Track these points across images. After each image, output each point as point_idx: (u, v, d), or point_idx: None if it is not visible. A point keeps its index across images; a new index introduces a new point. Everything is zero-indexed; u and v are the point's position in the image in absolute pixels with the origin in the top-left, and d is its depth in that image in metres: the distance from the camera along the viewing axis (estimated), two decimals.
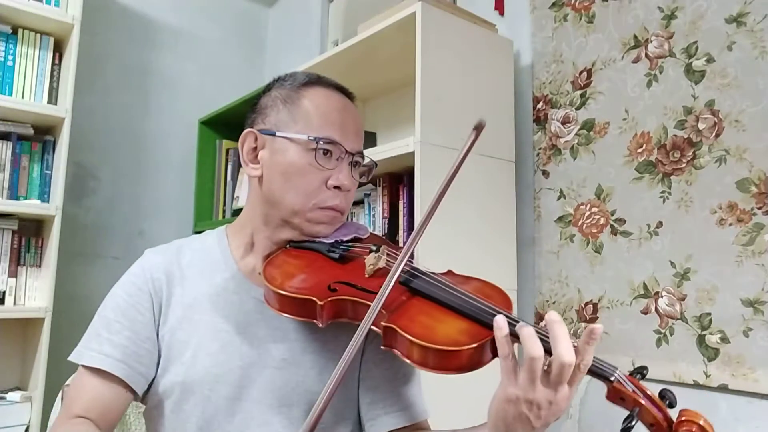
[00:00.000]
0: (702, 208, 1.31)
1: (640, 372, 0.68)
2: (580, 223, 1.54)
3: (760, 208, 1.22)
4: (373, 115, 2.08)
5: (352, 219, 1.77)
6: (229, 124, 2.50)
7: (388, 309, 0.73)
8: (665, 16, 1.41)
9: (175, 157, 2.58)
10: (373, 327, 0.71)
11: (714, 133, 1.31)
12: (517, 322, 0.68)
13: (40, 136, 2.05)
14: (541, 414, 0.65)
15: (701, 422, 0.62)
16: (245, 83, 2.74)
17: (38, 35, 2.04)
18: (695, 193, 1.32)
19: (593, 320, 1.48)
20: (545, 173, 1.64)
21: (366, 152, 0.95)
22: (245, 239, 0.94)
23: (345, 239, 0.90)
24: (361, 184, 0.95)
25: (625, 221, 1.45)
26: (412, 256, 0.78)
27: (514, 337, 0.67)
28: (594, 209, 1.52)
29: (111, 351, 0.85)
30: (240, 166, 2.37)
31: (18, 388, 2.01)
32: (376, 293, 0.72)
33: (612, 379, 0.66)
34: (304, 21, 2.69)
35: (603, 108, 1.52)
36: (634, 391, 0.65)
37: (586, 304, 1.51)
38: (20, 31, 2.00)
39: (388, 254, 0.84)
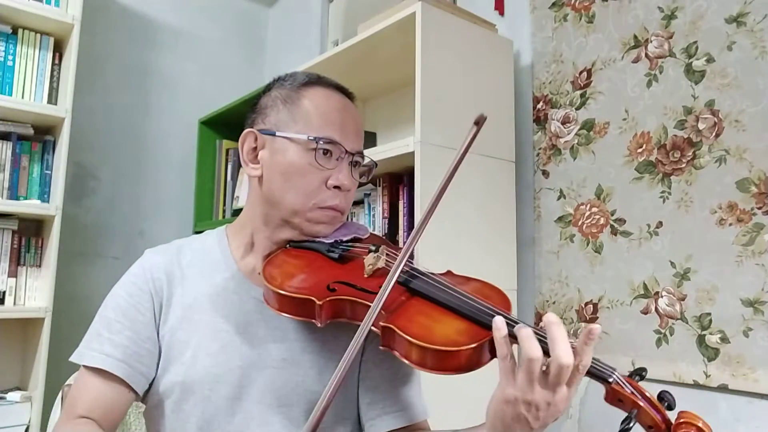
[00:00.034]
0: (702, 208, 1.31)
1: (638, 373, 0.68)
2: (580, 223, 1.54)
3: (760, 208, 1.22)
4: (373, 115, 2.08)
5: (352, 219, 1.77)
6: (229, 124, 2.50)
7: (386, 309, 0.73)
8: (665, 16, 1.41)
9: (175, 157, 2.58)
10: (371, 327, 0.71)
11: (714, 133, 1.31)
12: (516, 323, 0.68)
13: (40, 136, 2.05)
14: (539, 415, 0.65)
15: (700, 424, 0.62)
16: (245, 83, 2.74)
17: (38, 35, 2.04)
18: (695, 193, 1.32)
19: (593, 320, 1.48)
20: (545, 173, 1.64)
21: (366, 152, 0.95)
22: (245, 239, 0.94)
23: (344, 239, 0.90)
24: (361, 184, 0.95)
25: (625, 221, 1.45)
26: (411, 256, 0.78)
27: (513, 338, 0.67)
28: (594, 209, 1.52)
29: (112, 351, 0.85)
30: (240, 166, 2.37)
31: (18, 388, 2.01)
32: (375, 293, 0.72)
33: (610, 380, 0.66)
34: (304, 21, 2.69)
35: (603, 108, 1.52)
36: (632, 392, 0.65)
37: (586, 304, 1.51)
38: (20, 31, 2.00)
39: (387, 254, 0.84)
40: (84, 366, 0.86)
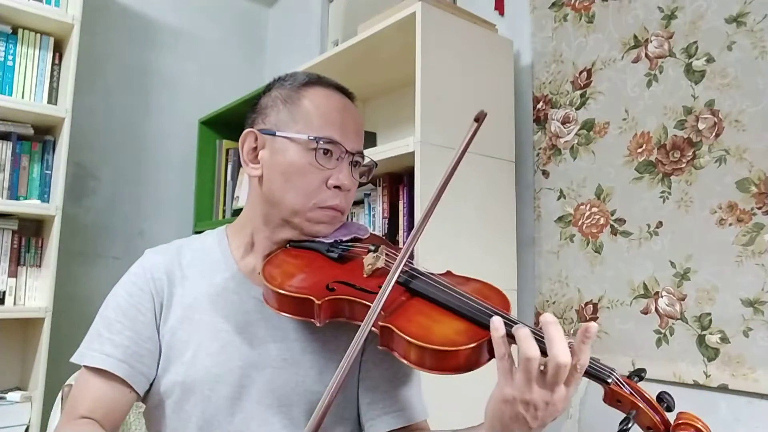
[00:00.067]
0: (702, 208, 1.31)
1: (638, 374, 0.68)
2: (580, 223, 1.54)
3: (760, 208, 1.22)
4: (373, 115, 2.08)
5: (352, 219, 1.77)
6: (229, 124, 2.50)
7: (385, 309, 0.73)
8: (665, 16, 1.41)
9: (175, 157, 2.58)
10: (371, 327, 0.71)
11: (714, 133, 1.31)
12: (515, 323, 0.68)
13: (40, 136, 2.05)
14: (537, 414, 0.65)
15: (699, 425, 0.62)
16: (245, 83, 2.74)
17: (38, 35, 2.04)
18: (695, 193, 1.32)
19: (593, 320, 1.48)
20: (545, 173, 1.64)
21: (366, 152, 0.95)
22: (245, 239, 0.94)
23: (344, 239, 0.90)
24: (361, 184, 0.95)
25: (625, 221, 1.45)
26: (411, 256, 0.78)
27: (511, 338, 0.67)
28: (594, 209, 1.52)
29: (112, 351, 0.85)
30: (240, 166, 2.37)
31: (18, 388, 2.01)
32: (374, 293, 0.72)
33: (609, 381, 0.66)
34: (304, 21, 2.69)
35: (603, 108, 1.52)
36: (631, 393, 0.65)
37: (586, 304, 1.51)
38: (20, 31, 2.00)
39: (386, 254, 0.84)
40: (85, 366, 0.86)
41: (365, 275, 0.82)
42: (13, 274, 1.94)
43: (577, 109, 1.58)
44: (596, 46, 1.55)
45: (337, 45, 1.94)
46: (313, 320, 0.78)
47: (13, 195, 1.96)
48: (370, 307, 0.71)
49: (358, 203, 1.77)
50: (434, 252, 1.39)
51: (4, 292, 1.92)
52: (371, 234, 0.96)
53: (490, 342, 0.68)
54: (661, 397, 0.66)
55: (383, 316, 0.72)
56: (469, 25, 1.60)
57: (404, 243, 1.24)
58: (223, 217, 2.45)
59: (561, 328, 0.64)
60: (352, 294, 0.77)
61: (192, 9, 2.69)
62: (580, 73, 1.58)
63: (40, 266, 2.00)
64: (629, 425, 0.63)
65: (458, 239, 1.47)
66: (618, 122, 1.48)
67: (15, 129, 1.98)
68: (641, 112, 1.44)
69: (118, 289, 0.91)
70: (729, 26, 1.29)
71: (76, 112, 2.03)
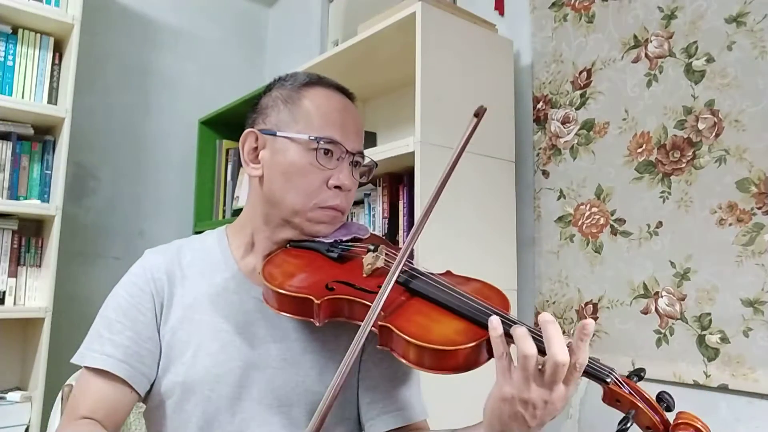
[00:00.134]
0: (702, 208, 1.31)
1: (637, 374, 0.68)
2: (580, 223, 1.55)
3: (760, 208, 1.22)
4: (373, 115, 2.08)
5: (352, 219, 1.77)
6: (229, 124, 2.50)
7: (385, 309, 0.73)
8: (665, 16, 1.41)
9: (175, 157, 2.58)
10: (371, 327, 0.71)
11: (714, 133, 1.31)
12: (514, 322, 0.68)
13: (40, 136, 2.05)
14: (536, 413, 0.65)
15: (698, 425, 0.62)
16: (245, 83, 2.74)
17: (38, 35, 2.04)
18: (695, 193, 1.32)
19: (593, 320, 1.48)
20: (545, 173, 1.64)
21: (366, 152, 0.95)
22: (245, 239, 0.94)
23: (344, 239, 0.90)
24: (361, 184, 0.95)
25: (625, 221, 1.45)
26: (411, 255, 0.78)
27: (509, 337, 0.67)
28: (594, 209, 1.52)
29: (113, 351, 0.85)
30: (240, 166, 2.38)
31: (18, 388, 2.01)
32: (373, 293, 0.72)
33: (608, 380, 0.66)
34: (304, 21, 2.69)
35: (603, 108, 1.52)
36: (630, 393, 0.65)
37: (586, 304, 1.51)
38: (20, 31, 2.00)
39: (386, 254, 0.84)
40: (85, 367, 0.86)
41: (365, 275, 0.82)
42: (13, 274, 1.94)
43: (577, 109, 1.58)
44: (596, 46, 1.55)
45: (337, 45, 1.94)
46: (312, 320, 0.78)
47: (13, 195, 1.96)
48: (369, 306, 0.71)
49: (358, 203, 1.77)
50: (434, 252, 1.39)
51: (4, 292, 1.92)
52: (371, 234, 0.96)
53: (489, 341, 0.68)
54: (660, 397, 0.66)
55: (382, 315, 0.72)
56: (469, 25, 1.60)
57: (404, 243, 1.24)
58: (223, 217, 2.45)
59: (559, 327, 0.64)
60: (351, 294, 0.77)
61: (192, 9, 2.69)
62: (580, 73, 1.58)
63: (40, 266, 2.00)
64: (628, 425, 0.62)
65: (458, 239, 1.47)
66: (618, 122, 1.48)
67: (15, 129, 1.98)
68: (641, 112, 1.44)
69: (119, 289, 0.91)
70: (729, 26, 1.29)
71: (76, 112, 2.03)
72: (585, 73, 1.57)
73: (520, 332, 0.66)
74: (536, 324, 0.67)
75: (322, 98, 0.90)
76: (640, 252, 1.41)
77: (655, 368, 1.34)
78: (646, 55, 1.44)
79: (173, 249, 0.95)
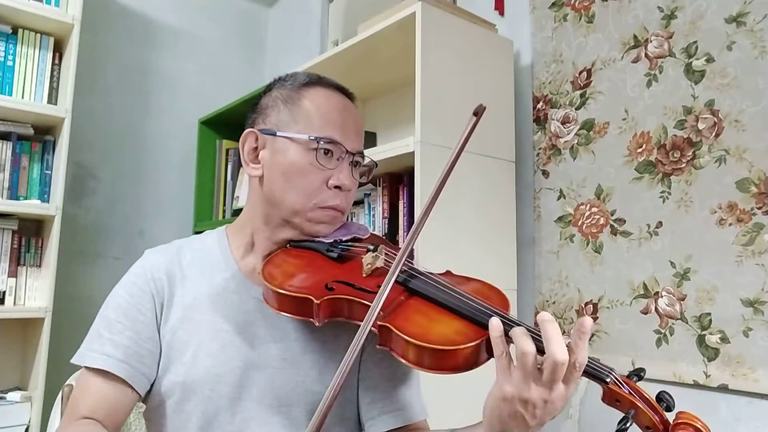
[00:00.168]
0: (702, 208, 1.31)
1: (637, 374, 0.68)
2: (580, 223, 1.54)
3: (760, 208, 1.22)
4: (373, 115, 2.08)
5: (352, 219, 1.77)
6: (229, 124, 2.49)
7: (384, 309, 0.73)
8: (665, 16, 1.41)
9: (175, 157, 2.58)
10: (370, 327, 0.71)
11: (714, 133, 1.31)
12: (514, 323, 0.68)
13: (40, 136, 2.05)
14: (536, 413, 0.65)
15: (698, 425, 0.62)
16: (245, 83, 2.74)
17: (38, 35, 2.04)
18: (695, 193, 1.32)
19: (593, 320, 1.48)
20: (545, 173, 1.64)
21: (366, 152, 0.95)
22: (245, 239, 0.94)
23: (344, 239, 0.90)
24: (361, 184, 0.95)
25: (625, 221, 1.45)
26: (411, 255, 0.78)
27: (509, 337, 0.67)
28: (594, 209, 1.52)
29: (113, 351, 0.85)
30: (240, 166, 2.38)
31: (18, 388, 2.00)
32: (373, 292, 0.72)
33: (607, 380, 0.66)
34: (304, 21, 2.69)
35: (603, 108, 1.52)
36: (629, 393, 0.65)
37: (586, 304, 1.51)
38: (20, 31, 2.00)
39: (386, 254, 0.84)
40: (86, 367, 0.86)
41: (364, 275, 0.82)
42: (13, 274, 1.94)
43: (577, 109, 1.58)
44: (596, 46, 1.55)
45: (337, 45, 1.94)
46: (312, 320, 0.78)
47: (13, 195, 1.96)
48: (368, 306, 0.71)
49: (358, 203, 1.77)
50: (434, 252, 1.39)
51: (4, 292, 1.92)
52: (371, 234, 0.96)
53: (488, 341, 0.68)
54: (660, 397, 0.66)
55: (382, 315, 0.72)
56: (469, 25, 1.60)
57: (404, 242, 1.24)
58: (223, 217, 2.45)
59: (558, 326, 0.64)
60: (351, 293, 0.77)
61: (192, 9, 2.69)
62: (580, 73, 1.58)
63: (40, 266, 2.00)
64: (628, 425, 0.62)
65: (458, 239, 1.47)
66: (618, 122, 1.48)
67: (15, 129, 1.98)
68: (641, 112, 1.44)
69: (119, 289, 0.91)
70: (729, 26, 1.29)
71: (76, 112, 2.03)
72: (585, 73, 1.57)
73: (518, 331, 0.66)
74: (536, 324, 0.67)
75: (322, 98, 0.90)
76: (640, 252, 1.41)
77: (655, 368, 1.34)
78: (646, 55, 1.44)
79: (173, 249, 0.95)
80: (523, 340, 0.65)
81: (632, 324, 1.41)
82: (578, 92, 1.58)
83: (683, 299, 1.32)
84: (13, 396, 1.90)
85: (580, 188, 1.55)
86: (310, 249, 0.89)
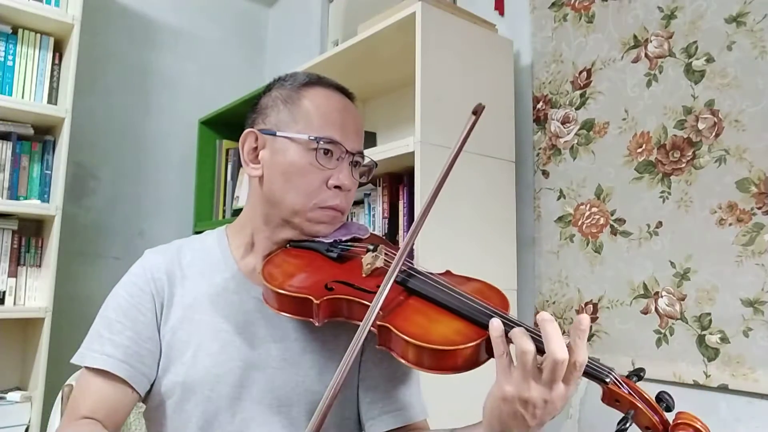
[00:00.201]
0: (702, 208, 1.31)
1: (637, 374, 0.68)
2: (580, 223, 1.54)
3: (760, 208, 1.22)
4: (373, 115, 2.08)
5: (352, 219, 1.77)
6: (229, 124, 2.50)
7: (384, 309, 0.73)
8: (665, 16, 1.41)
9: (175, 157, 2.58)
10: (370, 327, 0.71)
11: (714, 133, 1.31)
12: (514, 323, 0.68)
13: (40, 136, 2.05)
14: (536, 413, 0.65)
15: (698, 425, 0.62)
16: (245, 83, 2.74)
17: (38, 35, 2.04)
18: (695, 193, 1.32)
19: (593, 320, 1.48)
20: (545, 173, 1.64)
21: (366, 152, 0.95)
22: (245, 239, 0.94)
23: (344, 239, 0.90)
24: (361, 184, 0.95)
25: (624, 221, 1.45)
26: (411, 255, 0.78)
27: (508, 337, 0.67)
28: (594, 209, 1.52)
29: (113, 351, 0.85)
30: (240, 166, 2.37)
31: (18, 388, 2.01)
32: (373, 292, 0.72)
33: (607, 380, 0.66)
34: (304, 21, 2.69)
35: (603, 108, 1.52)
36: (629, 393, 0.65)
37: (586, 304, 1.51)
38: (20, 31, 2.00)
39: (386, 254, 0.84)
40: (86, 367, 0.86)
41: (364, 275, 0.82)
42: (13, 274, 1.94)
43: (577, 109, 1.58)
44: (596, 46, 1.55)
45: (337, 45, 1.94)
46: (312, 320, 0.78)
47: (13, 195, 1.96)
48: (368, 306, 0.71)
49: (358, 203, 1.77)
50: (434, 252, 1.39)
51: (4, 292, 1.92)
52: (371, 234, 0.96)
53: (488, 341, 0.68)
54: (660, 397, 0.66)
55: (381, 315, 0.72)
56: (469, 25, 1.60)
57: (403, 242, 1.23)
58: (223, 217, 2.45)
59: (557, 325, 0.64)
60: (350, 293, 0.77)
61: (192, 9, 2.69)
62: (580, 73, 1.58)
63: (40, 266, 2.00)
64: (627, 425, 0.62)
65: (458, 239, 1.47)
66: (618, 122, 1.48)
67: (15, 129, 1.98)
68: (641, 112, 1.44)
69: (119, 289, 0.91)
70: (729, 26, 1.29)
71: (76, 112, 2.03)
72: (585, 73, 1.57)
73: (518, 331, 0.66)
74: (536, 325, 0.67)
75: (321, 98, 0.90)
76: (640, 252, 1.41)
77: (655, 368, 1.34)
78: (646, 55, 1.44)
79: (173, 249, 0.95)
80: (522, 340, 0.65)
81: (632, 324, 1.41)
82: (578, 92, 1.58)
83: (683, 299, 1.32)
84: (13, 396, 1.90)
85: (580, 188, 1.55)
86: (309, 249, 0.89)
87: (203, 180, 2.52)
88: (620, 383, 0.65)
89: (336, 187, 0.88)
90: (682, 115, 1.36)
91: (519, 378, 0.65)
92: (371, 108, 2.10)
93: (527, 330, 0.67)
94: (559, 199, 1.60)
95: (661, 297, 1.36)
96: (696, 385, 1.29)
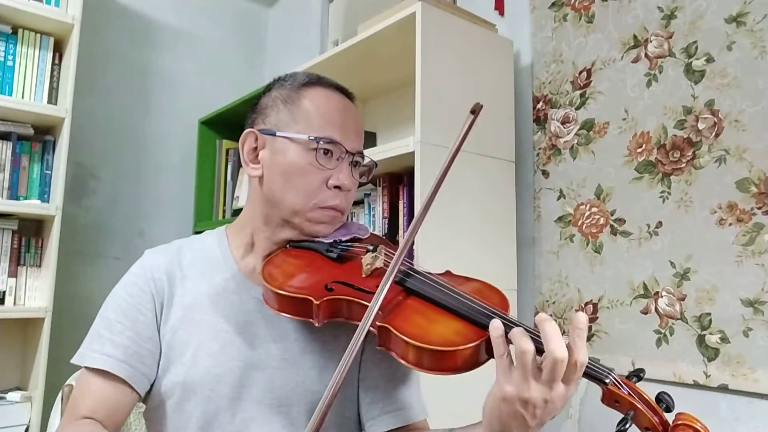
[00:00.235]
0: (702, 208, 1.31)
1: (636, 374, 0.68)
2: (579, 223, 1.54)
3: (760, 208, 1.22)
4: (373, 115, 2.08)
5: (352, 219, 1.77)
6: (229, 124, 2.50)
7: (383, 309, 0.72)
8: (665, 16, 1.41)
9: (175, 157, 2.58)
10: (369, 327, 0.71)
11: (714, 133, 1.31)
12: (514, 323, 0.68)
13: (40, 136, 2.05)
14: (536, 413, 0.65)
15: (697, 426, 0.62)
16: (245, 83, 2.74)
17: (38, 35, 2.04)
18: (695, 193, 1.32)
19: (593, 320, 1.48)
20: (545, 173, 1.64)
21: (366, 152, 0.95)
22: (245, 239, 0.94)
23: (344, 239, 0.90)
24: (361, 184, 0.95)
25: (624, 221, 1.45)
26: (411, 255, 0.78)
27: (508, 338, 0.67)
28: (594, 209, 1.52)
29: (113, 351, 0.85)
30: (240, 166, 2.37)
31: (18, 388, 2.01)
32: (372, 293, 0.72)
33: (606, 381, 0.65)
34: (304, 21, 2.69)
35: (603, 108, 1.52)
36: (629, 394, 0.65)
37: (586, 304, 1.51)
38: (20, 31, 2.00)
39: (385, 254, 0.84)
40: (86, 367, 0.86)
41: (364, 275, 0.82)
42: (13, 274, 1.94)
43: (576, 109, 1.58)
44: (596, 46, 1.55)
45: (337, 45, 1.94)
46: (312, 320, 0.78)
47: (13, 195, 1.96)
48: (367, 307, 0.71)
49: (358, 203, 1.77)
50: (434, 252, 1.39)
51: (4, 292, 1.92)
52: (371, 234, 0.96)
53: (488, 342, 0.68)
54: (660, 398, 0.66)
55: (381, 316, 0.72)
56: (469, 25, 1.60)
57: (402, 241, 1.23)
58: (223, 217, 2.45)
59: (556, 325, 0.64)
60: (350, 294, 0.77)
61: (192, 9, 2.69)
62: (580, 73, 1.58)
63: (40, 266, 2.00)
64: (627, 426, 0.62)
65: (458, 239, 1.47)
66: (618, 122, 1.48)
67: (15, 129, 1.98)
68: (641, 112, 1.44)
69: (119, 289, 0.91)
70: (729, 26, 1.29)
71: (76, 112, 2.03)
72: (585, 73, 1.57)
73: (517, 331, 0.66)
74: (535, 326, 0.67)
75: (321, 98, 0.90)
76: (640, 252, 1.41)
77: (655, 368, 1.34)
78: (646, 55, 1.44)
79: (173, 249, 0.95)
80: (522, 340, 0.65)
81: (632, 324, 1.41)
82: (578, 92, 1.58)
83: (683, 299, 1.32)
84: (13, 396, 1.90)
85: (580, 188, 1.55)
86: (309, 249, 0.89)
87: (203, 180, 2.52)
88: (620, 384, 0.65)
89: (336, 187, 0.88)
90: (682, 115, 1.36)
91: (519, 378, 0.65)
92: (371, 108, 2.10)
93: (526, 330, 0.67)
94: (559, 199, 1.60)
95: (661, 297, 1.36)
96: (696, 385, 1.29)
